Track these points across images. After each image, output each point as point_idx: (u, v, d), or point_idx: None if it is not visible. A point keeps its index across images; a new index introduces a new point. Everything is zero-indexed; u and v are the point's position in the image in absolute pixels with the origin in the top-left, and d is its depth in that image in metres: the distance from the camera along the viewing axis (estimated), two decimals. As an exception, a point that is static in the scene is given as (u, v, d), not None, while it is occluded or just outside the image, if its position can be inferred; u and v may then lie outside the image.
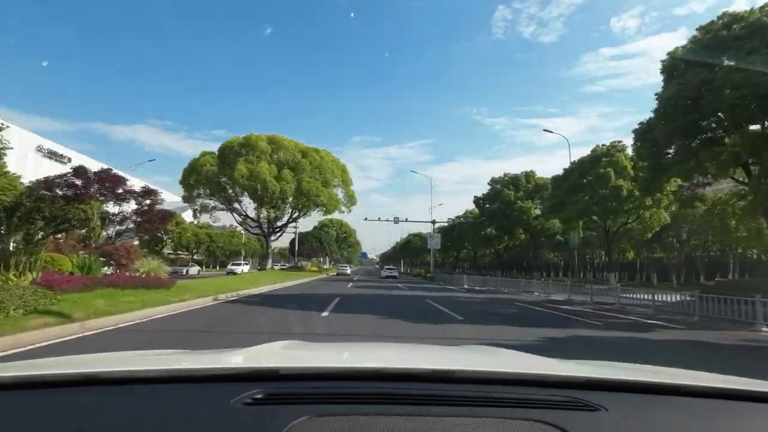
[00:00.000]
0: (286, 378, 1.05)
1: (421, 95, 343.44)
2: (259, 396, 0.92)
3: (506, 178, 38.37)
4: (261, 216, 38.49)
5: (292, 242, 74.12)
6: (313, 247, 68.17)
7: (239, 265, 40.91)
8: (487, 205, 39.44)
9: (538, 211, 36.29)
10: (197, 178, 35.89)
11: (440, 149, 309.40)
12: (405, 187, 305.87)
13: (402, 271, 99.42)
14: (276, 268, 55.37)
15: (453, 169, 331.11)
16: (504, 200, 36.00)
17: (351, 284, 28.18)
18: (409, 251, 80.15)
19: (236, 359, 1.41)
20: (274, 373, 1.06)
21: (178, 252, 69.76)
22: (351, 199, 42.18)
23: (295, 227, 59.31)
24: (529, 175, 37.88)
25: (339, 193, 42.88)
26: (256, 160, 35.32)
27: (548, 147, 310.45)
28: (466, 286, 31.23)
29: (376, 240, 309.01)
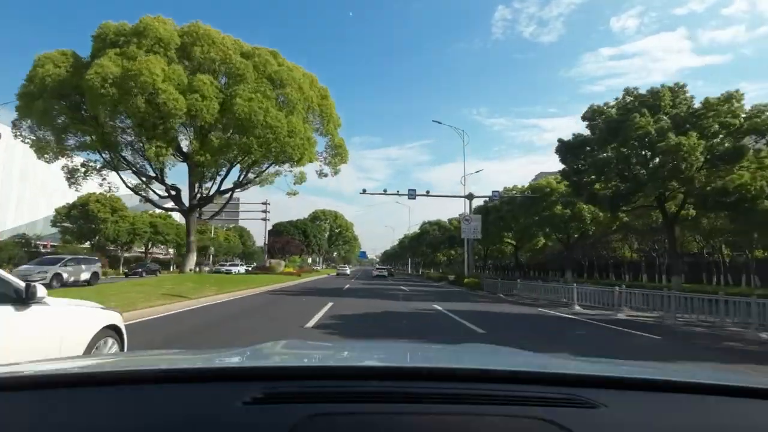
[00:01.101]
0: (286, 377, 1.04)
1: (421, 96, 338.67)
2: (259, 395, 0.91)
3: (631, 99, 20.21)
4: (162, 168, 20.24)
5: (269, 234, 56.08)
6: (295, 242, 50.26)
7: (48, 266, 16.71)
8: (581, 155, 21.22)
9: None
10: (29, 92, 17.57)
11: (439, 150, 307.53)
12: (405, 187, 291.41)
13: (410, 272, 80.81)
14: (223, 269, 37.20)
15: (452, 170, 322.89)
16: (635, 133, 17.87)
17: (329, 306, 10.24)
18: (423, 246, 61.66)
19: (237, 358, 1.40)
20: (275, 372, 1.06)
21: (108, 247, 51.63)
22: (339, 152, 24.03)
23: (264, 211, 41.56)
24: (675, 91, 19.72)
25: (321, 142, 24.65)
26: (144, 54, 16.91)
27: (548, 147, 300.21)
28: (576, 308, 13.31)
29: (375, 237, 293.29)
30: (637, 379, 1.11)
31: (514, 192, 32.96)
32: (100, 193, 50.95)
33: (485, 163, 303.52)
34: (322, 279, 37.00)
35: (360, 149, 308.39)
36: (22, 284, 2.93)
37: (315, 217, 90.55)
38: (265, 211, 42.21)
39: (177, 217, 65.49)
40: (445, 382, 1.04)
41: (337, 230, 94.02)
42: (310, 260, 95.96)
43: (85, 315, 3.55)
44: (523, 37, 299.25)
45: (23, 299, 2.90)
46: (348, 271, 57.11)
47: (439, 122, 32.07)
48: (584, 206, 29.46)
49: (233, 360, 1.38)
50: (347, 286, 26.03)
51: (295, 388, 0.97)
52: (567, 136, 22.34)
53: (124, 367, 1.16)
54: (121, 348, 3.91)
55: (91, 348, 3.45)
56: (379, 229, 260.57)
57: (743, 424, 0.97)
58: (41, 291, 3.02)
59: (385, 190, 30.30)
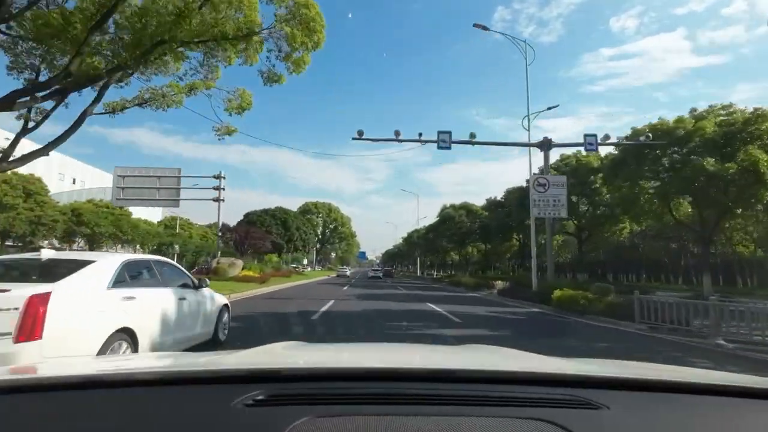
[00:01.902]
0: (287, 379, 1.04)
1: (420, 96, 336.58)
2: (260, 397, 0.92)
3: None
4: None
5: (238, 223, 41.93)
6: (259, 233, 36.63)
7: None
8: None
9: None
10: None
11: (440, 150, 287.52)
12: (405, 188, 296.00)
13: (419, 274, 66.25)
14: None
15: (453, 171, 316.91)
16: None
17: None
18: (443, 239, 46.49)
19: (237, 360, 1.42)
20: (276, 374, 1.06)
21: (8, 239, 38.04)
22: (303, 23, 9.78)
23: (217, 188, 27.81)
24: None
25: (267, 15, 10.56)
26: None
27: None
28: None
29: (375, 237, 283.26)
30: (639, 380, 1.10)
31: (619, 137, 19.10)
32: (12, 172, 37.51)
33: (485, 164, 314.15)
34: (300, 287, 23.59)
35: (360, 150, 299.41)
36: (196, 280, 5.72)
37: (305, 210, 77.22)
38: (218, 188, 28.46)
39: (143, 213, 51.45)
40: (445, 384, 1.04)
41: (331, 225, 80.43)
42: (305, 261, 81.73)
43: (216, 296, 6.30)
44: (523, 38, 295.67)
45: (196, 287, 5.59)
46: (348, 273, 58.04)
47: (486, 28, 17.38)
48: (762, 155, 15.92)
49: (234, 362, 1.39)
50: (328, 305, 12.74)
51: (296, 390, 0.97)
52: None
53: (124, 370, 1.15)
54: (229, 317, 6.83)
55: (219, 315, 6.18)
56: (379, 229, 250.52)
57: (744, 425, 0.96)
58: (206, 283, 5.88)
59: (397, 132, 16.23)
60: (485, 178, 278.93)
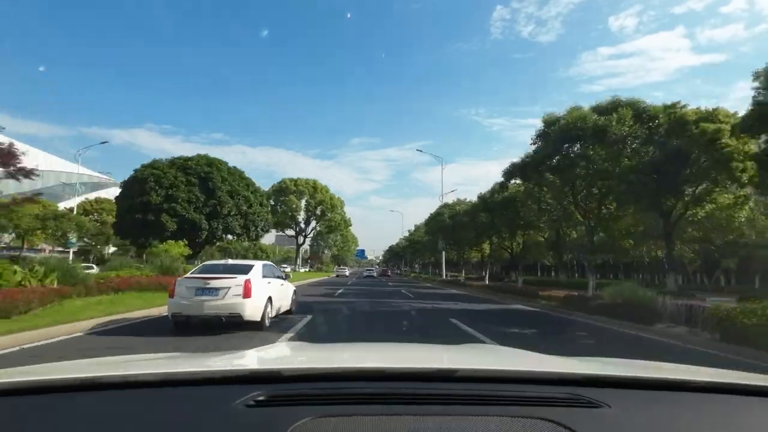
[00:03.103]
0: (288, 379, 1.07)
1: (420, 96, 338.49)
2: (261, 398, 0.94)
3: None
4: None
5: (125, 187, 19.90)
6: (176, 203, 15.12)
7: None
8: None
9: None
10: None
11: (439, 150, 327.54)
12: (404, 189, 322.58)
13: (445, 277, 43.52)
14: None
15: (452, 170, 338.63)
16: None
17: None
18: (544, 201, 21.56)
19: (238, 361, 1.48)
20: (277, 375, 1.08)
21: None
22: None
23: None
24: None
25: None
26: None
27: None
28: None
29: (374, 238, 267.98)
30: (641, 378, 1.13)
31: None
32: None
33: (484, 163, 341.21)
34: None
35: (359, 150, 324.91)
36: (283, 274, 11.79)
37: (281, 189, 56.78)
38: None
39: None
40: (447, 383, 1.07)
41: (317, 210, 59.01)
42: (301, 262, 60.38)
43: (290, 284, 11.46)
44: (522, 37, 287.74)
45: (284, 278, 11.02)
46: (347, 273, 58.53)
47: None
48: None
49: (235, 363, 1.46)
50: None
51: (296, 390, 1.00)
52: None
53: (125, 371, 1.17)
54: (297, 297, 12.71)
55: (292, 296, 11.46)
56: (379, 232, 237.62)
57: (747, 422, 1.00)
58: (289, 276, 12.23)
59: None
60: (487, 175, 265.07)
